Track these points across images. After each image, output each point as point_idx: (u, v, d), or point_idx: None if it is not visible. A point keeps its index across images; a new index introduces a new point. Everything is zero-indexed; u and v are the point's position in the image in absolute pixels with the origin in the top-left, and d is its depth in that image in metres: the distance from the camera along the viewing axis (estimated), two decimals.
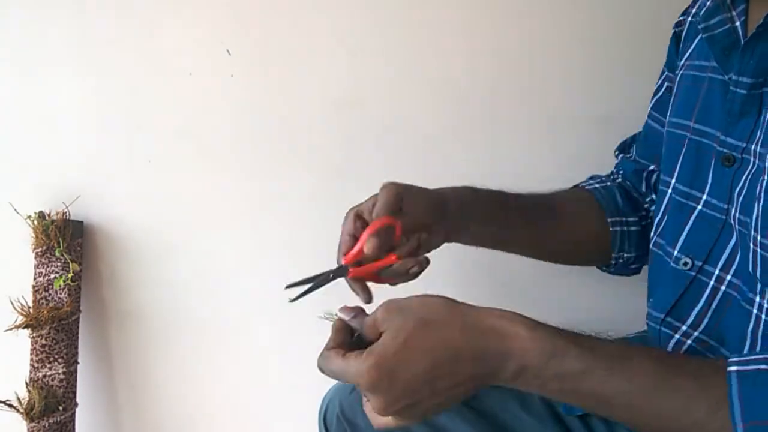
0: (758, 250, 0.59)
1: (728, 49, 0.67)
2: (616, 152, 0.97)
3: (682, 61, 0.79)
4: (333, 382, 0.92)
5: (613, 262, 0.89)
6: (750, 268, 0.61)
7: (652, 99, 0.91)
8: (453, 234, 0.79)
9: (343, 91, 1.13)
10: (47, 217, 1.13)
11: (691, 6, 0.83)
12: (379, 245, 0.70)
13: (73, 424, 1.14)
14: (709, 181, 0.69)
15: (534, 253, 0.89)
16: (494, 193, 0.84)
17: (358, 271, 0.75)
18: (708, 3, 0.70)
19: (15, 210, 1.12)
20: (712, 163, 0.68)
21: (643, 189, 0.90)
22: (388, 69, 1.12)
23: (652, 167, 0.89)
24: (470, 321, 0.57)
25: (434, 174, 1.15)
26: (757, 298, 0.61)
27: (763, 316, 0.61)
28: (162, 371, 1.24)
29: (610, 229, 0.87)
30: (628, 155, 0.94)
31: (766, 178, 0.59)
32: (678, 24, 0.85)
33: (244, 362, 1.23)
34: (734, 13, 0.67)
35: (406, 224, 0.73)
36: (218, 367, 1.23)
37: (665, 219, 0.76)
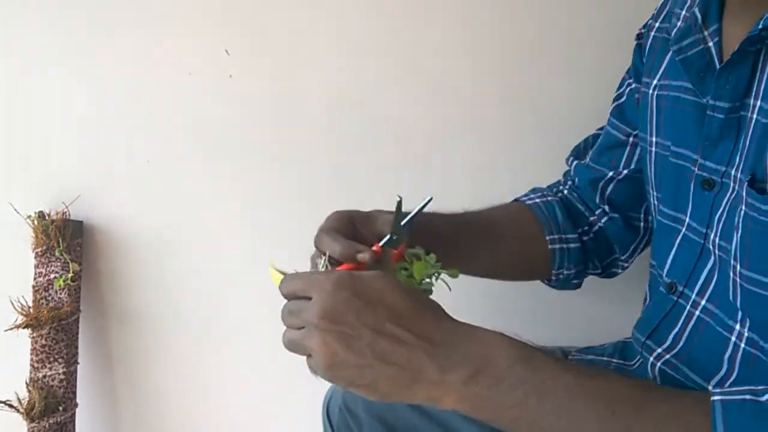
0: (738, 280, 0.59)
1: (703, 71, 0.65)
2: (569, 158, 0.95)
3: (656, 80, 0.76)
4: None
5: (554, 278, 0.89)
6: (730, 297, 0.61)
7: (612, 104, 0.90)
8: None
9: (343, 91, 1.13)
10: (47, 217, 1.13)
11: (652, 19, 0.81)
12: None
13: (73, 424, 1.14)
14: (690, 204, 0.68)
15: (473, 271, 0.85)
16: (436, 215, 0.82)
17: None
18: (679, 23, 0.69)
19: (15, 210, 1.12)
20: (692, 186, 0.68)
21: (597, 200, 0.89)
22: (388, 69, 1.12)
23: (610, 174, 0.87)
24: (452, 321, 0.57)
25: (434, 174, 1.16)
26: (737, 326, 0.61)
27: (742, 345, 0.60)
28: (162, 371, 1.24)
29: (549, 246, 0.86)
30: (583, 161, 0.92)
31: (743, 208, 0.58)
32: (638, 36, 0.84)
33: (244, 362, 1.23)
34: (707, 33, 0.65)
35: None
36: (218, 367, 1.23)
37: (654, 241, 0.76)
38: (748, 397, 0.51)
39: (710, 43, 0.65)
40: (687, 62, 0.67)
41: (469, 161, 1.15)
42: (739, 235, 0.59)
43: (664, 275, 0.71)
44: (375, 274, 0.56)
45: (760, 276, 0.56)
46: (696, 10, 0.66)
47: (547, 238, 0.86)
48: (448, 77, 1.12)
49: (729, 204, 0.62)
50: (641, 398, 0.52)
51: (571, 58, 1.12)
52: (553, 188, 0.95)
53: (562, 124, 1.14)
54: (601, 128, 0.94)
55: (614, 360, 0.81)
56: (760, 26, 0.57)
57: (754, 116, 0.59)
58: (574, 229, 0.88)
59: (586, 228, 0.89)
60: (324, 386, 0.94)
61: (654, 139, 0.76)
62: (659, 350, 0.69)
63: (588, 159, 0.92)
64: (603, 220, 0.88)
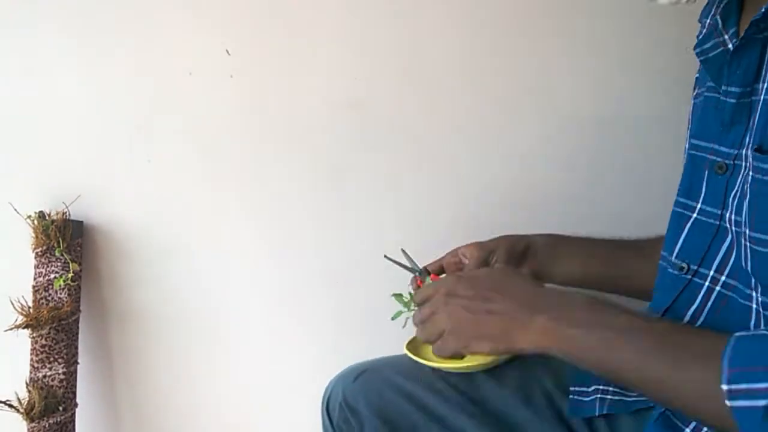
0: (748, 244, 0.62)
1: (721, 67, 0.70)
2: None
3: (695, 91, 0.82)
4: (333, 376, 0.93)
5: None
6: (742, 264, 0.64)
7: None
8: (539, 277, 0.91)
9: (343, 91, 1.13)
10: (47, 217, 1.13)
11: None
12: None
13: (73, 424, 1.14)
14: (703, 190, 0.72)
15: (620, 289, 0.93)
16: (580, 238, 0.94)
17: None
18: (704, 31, 0.74)
19: (15, 210, 1.12)
20: (706, 173, 0.72)
21: None
22: (388, 69, 1.12)
23: None
24: (537, 283, 0.74)
25: (434, 174, 1.16)
26: (754, 293, 0.63)
27: (762, 311, 0.63)
28: (162, 371, 1.24)
29: None
30: None
31: (750, 173, 0.62)
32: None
33: (244, 362, 1.23)
34: (726, 36, 0.69)
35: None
36: (218, 367, 1.23)
37: (668, 230, 0.78)
38: (762, 331, 0.57)
39: (729, 45, 0.69)
40: (707, 62, 0.72)
41: (470, 161, 1.15)
42: (747, 200, 0.62)
43: (673, 258, 0.74)
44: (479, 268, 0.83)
45: (766, 236, 0.60)
46: (718, 17, 0.70)
47: None
48: (448, 77, 1.12)
49: (742, 182, 0.65)
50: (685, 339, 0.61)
51: (571, 60, 1.12)
52: None
53: (563, 124, 1.14)
54: None
55: None
56: (763, 10, 0.61)
57: (761, 97, 0.63)
58: None
59: None
60: (323, 384, 0.94)
61: (687, 145, 0.80)
62: None
63: None
64: None
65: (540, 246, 0.92)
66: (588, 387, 0.81)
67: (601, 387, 0.80)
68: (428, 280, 0.93)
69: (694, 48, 0.74)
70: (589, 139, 1.15)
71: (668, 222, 0.80)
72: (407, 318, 0.86)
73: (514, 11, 1.10)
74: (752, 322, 0.64)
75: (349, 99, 1.13)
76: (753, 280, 0.63)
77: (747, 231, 0.62)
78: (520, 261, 0.91)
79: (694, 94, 0.82)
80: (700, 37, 0.74)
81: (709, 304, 0.69)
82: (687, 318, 0.71)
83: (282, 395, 1.24)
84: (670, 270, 0.74)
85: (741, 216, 0.64)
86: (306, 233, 1.18)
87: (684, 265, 0.72)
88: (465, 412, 0.82)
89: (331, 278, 1.19)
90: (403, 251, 0.96)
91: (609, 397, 0.79)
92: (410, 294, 0.88)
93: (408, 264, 0.96)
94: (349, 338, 1.19)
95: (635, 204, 1.18)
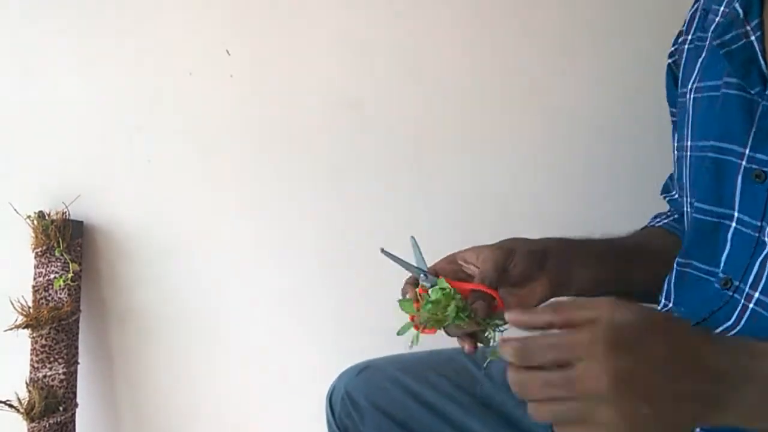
0: None
1: (747, 63, 0.66)
2: (662, 195, 0.96)
3: (690, 85, 0.77)
4: (334, 376, 0.93)
5: None
6: None
7: (672, 136, 0.89)
8: (559, 284, 0.79)
9: (343, 91, 1.13)
10: (47, 217, 1.13)
11: (684, 34, 0.82)
12: (484, 308, 0.71)
13: (73, 424, 1.14)
14: (738, 197, 0.68)
15: (629, 290, 0.84)
16: (587, 240, 0.85)
17: (451, 282, 0.73)
18: (718, 19, 0.70)
19: (15, 210, 1.12)
20: (739, 179, 0.67)
21: None
22: (388, 69, 1.12)
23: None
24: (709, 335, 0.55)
25: (434, 174, 1.16)
26: None
27: None
28: (162, 371, 1.24)
29: None
30: (673, 195, 0.93)
31: None
32: (671, 54, 0.84)
33: (244, 362, 1.23)
34: (749, 27, 0.66)
35: (509, 279, 0.75)
36: (218, 367, 1.23)
37: (694, 238, 0.75)
38: None
39: (752, 37, 0.66)
40: (731, 55, 0.68)
41: (468, 163, 1.15)
42: None
43: (719, 272, 0.70)
44: (630, 314, 0.49)
45: None
46: (737, 5, 0.67)
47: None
48: (448, 77, 1.12)
49: None
50: None
51: (571, 62, 1.12)
52: (670, 213, 0.94)
53: (564, 124, 1.14)
54: None
55: None
56: None
57: None
58: None
59: None
60: (323, 384, 0.94)
61: (689, 144, 0.76)
62: None
63: (675, 192, 0.92)
64: None
65: (555, 252, 0.80)
66: None
67: None
68: (443, 283, 0.71)
69: (713, 38, 0.70)
70: (589, 139, 1.15)
71: (690, 229, 0.76)
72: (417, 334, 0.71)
73: (514, 12, 1.10)
74: None
75: (349, 99, 1.13)
76: None
77: None
78: (540, 268, 0.78)
79: (693, 86, 0.77)
80: (716, 27, 0.70)
81: (742, 322, 0.66)
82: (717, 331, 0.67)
83: (282, 395, 1.24)
84: (716, 285, 0.69)
85: None
86: (306, 233, 1.18)
87: (728, 279, 0.68)
88: (466, 409, 0.82)
89: (331, 278, 1.19)
90: (413, 239, 0.79)
91: None
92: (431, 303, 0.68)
93: (412, 260, 0.78)
94: (349, 338, 1.19)
95: (635, 204, 1.18)
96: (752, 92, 0.66)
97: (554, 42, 1.11)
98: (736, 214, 0.68)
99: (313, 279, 1.19)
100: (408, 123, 1.14)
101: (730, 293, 0.67)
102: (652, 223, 0.94)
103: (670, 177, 0.95)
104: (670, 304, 0.75)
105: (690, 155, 0.77)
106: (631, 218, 1.11)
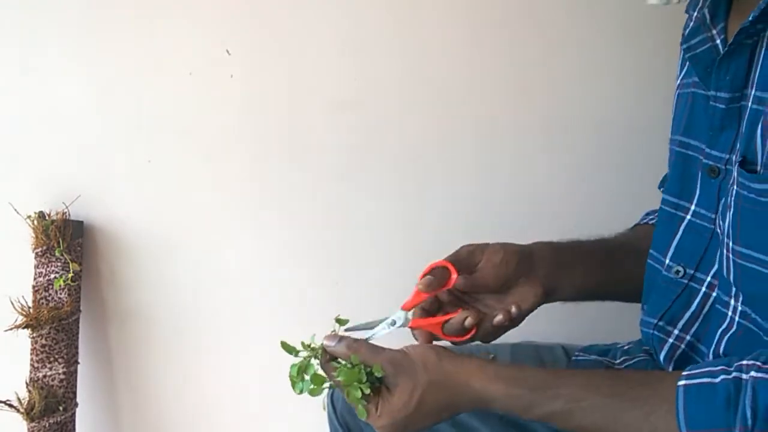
0: (730, 256, 0.62)
1: (710, 66, 0.68)
2: (660, 188, 0.95)
3: (677, 81, 0.80)
4: None
5: None
6: (724, 273, 0.64)
7: None
8: (549, 290, 0.81)
9: (343, 91, 1.13)
10: (47, 217, 1.13)
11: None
12: (429, 282, 0.76)
13: (73, 424, 1.14)
14: (697, 192, 0.71)
15: (620, 294, 0.88)
16: (575, 243, 0.86)
17: (419, 322, 0.77)
18: (690, 23, 0.72)
19: (15, 210, 1.12)
20: (699, 174, 0.71)
21: None
22: (389, 69, 1.12)
23: None
24: (459, 382, 0.66)
25: (435, 174, 1.16)
26: (732, 301, 0.64)
27: (737, 318, 0.63)
28: (162, 371, 1.24)
29: None
30: None
31: (735, 187, 0.62)
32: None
33: (244, 362, 1.23)
34: (714, 31, 0.68)
35: (489, 278, 0.78)
36: (218, 367, 1.23)
37: (657, 229, 0.78)
38: (706, 380, 0.57)
39: (717, 41, 0.68)
40: (695, 59, 0.70)
41: (471, 161, 1.15)
42: (731, 213, 0.62)
43: (667, 260, 0.73)
44: (401, 414, 0.68)
45: (751, 251, 0.60)
46: (705, 10, 0.69)
47: None
48: (449, 77, 1.12)
49: (729, 191, 0.65)
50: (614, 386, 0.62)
51: (571, 62, 1.12)
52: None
53: (564, 124, 1.14)
54: None
55: (636, 356, 0.82)
56: (750, 18, 0.60)
57: (749, 104, 0.62)
58: None
59: None
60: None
61: (671, 137, 0.79)
62: (676, 332, 0.71)
63: None
64: None
65: (543, 257, 0.82)
66: None
67: None
68: (355, 360, 0.69)
69: (681, 43, 0.73)
70: (588, 139, 1.15)
71: (657, 221, 0.79)
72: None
73: (514, 14, 1.10)
74: (722, 328, 0.65)
75: (349, 99, 1.13)
76: (734, 289, 0.63)
77: (729, 243, 0.62)
78: (529, 270, 0.80)
79: (679, 83, 0.80)
80: (687, 31, 0.72)
81: (705, 309, 0.69)
82: (682, 323, 0.70)
83: (282, 395, 1.24)
84: (665, 273, 0.73)
85: (725, 225, 0.64)
86: (306, 233, 1.18)
87: (680, 268, 0.71)
88: (479, 416, 0.82)
89: (332, 278, 1.19)
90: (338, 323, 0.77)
91: None
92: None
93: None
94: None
95: (634, 204, 1.18)
96: (710, 92, 0.68)
97: (554, 41, 1.12)
98: (692, 207, 0.71)
99: (313, 279, 1.19)
100: (408, 123, 1.14)
101: (685, 281, 0.71)
102: (644, 220, 0.94)
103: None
104: (644, 308, 0.77)
105: (670, 148, 0.79)
106: (632, 218, 1.11)
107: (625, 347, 0.86)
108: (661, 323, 0.72)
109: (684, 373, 0.59)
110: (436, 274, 0.76)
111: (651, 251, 0.78)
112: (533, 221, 1.15)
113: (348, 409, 0.88)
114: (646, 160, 1.16)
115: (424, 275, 0.76)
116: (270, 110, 1.13)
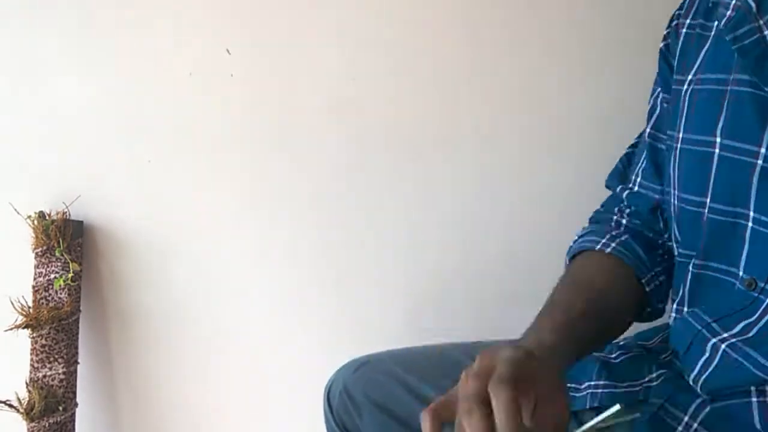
0: None
1: (761, 60, 0.65)
2: (613, 185, 0.92)
3: (689, 76, 0.75)
4: (332, 372, 0.92)
5: (646, 314, 0.86)
6: None
7: (648, 120, 0.87)
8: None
9: (343, 91, 1.13)
10: (47, 217, 1.13)
11: (680, 17, 0.79)
12: None
13: (73, 424, 1.14)
14: (754, 196, 0.66)
15: (614, 335, 0.83)
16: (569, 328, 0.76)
17: None
18: (729, 13, 0.68)
19: (15, 210, 1.12)
20: (755, 178, 0.66)
21: (661, 226, 0.86)
22: (389, 69, 1.12)
23: (657, 197, 0.85)
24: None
25: (436, 174, 1.16)
26: None
27: None
28: (162, 371, 1.24)
29: (646, 288, 0.83)
30: (631, 187, 0.89)
31: None
32: (664, 38, 0.82)
33: (244, 362, 1.23)
34: (761, 22, 0.65)
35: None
36: (218, 367, 1.23)
37: (707, 239, 0.73)
38: None
39: (766, 32, 0.64)
40: (744, 51, 0.66)
41: (472, 161, 1.15)
42: None
43: (739, 272, 0.69)
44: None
45: None
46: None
47: (643, 281, 0.83)
48: (449, 77, 1.12)
49: None
50: None
51: (571, 60, 1.12)
52: (608, 222, 0.89)
53: (564, 124, 1.14)
54: (632, 146, 0.91)
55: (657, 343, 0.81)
56: None
57: None
58: (656, 259, 0.85)
59: (662, 254, 0.86)
60: (322, 385, 0.94)
61: (681, 135, 0.75)
62: (725, 335, 0.68)
63: (637, 185, 0.88)
64: (669, 243, 0.84)
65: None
66: (580, 384, 0.81)
67: (592, 383, 0.79)
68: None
69: (725, 33, 0.67)
70: (590, 139, 1.15)
71: (700, 228, 0.74)
72: None
73: (514, 13, 1.10)
74: None
75: (349, 99, 1.13)
76: None
77: None
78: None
79: (691, 78, 0.75)
80: (728, 21, 0.67)
81: (764, 319, 0.65)
82: (737, 329, 0.67)
83: (282, 395, 1.24)
84: (740, 286, 0.68)
85: None
86: (306, 232, 1.18)
87: (752, 281, 0.67)
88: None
89: (332, 278, 1.19)
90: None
91: (600, 390, 0.78)
92: None
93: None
94: (349, 338, 1.19)
95: None
96: (766, 90, 0.65)
97: (556, 41, 1.11)
98: (752, 214, 0.67)
99: (313, 279, 1.19)
100: (408, 123, 1.14)
101: (756, 294, 0.66)
102: (602, 247, 0.84)
103: (624, 165, 0.90)
104: (685, 309, 0.74)
105: (681, 147, 0.75)
106: None
107: (621, 342, 0.86)
108: (714, 325, 0.69)
109: None
110: None
111: (701, 261, 0.73)
112: (534, 221, 1.15)
113: (344, 408, 0.88)
114: None
115: None
116: (270, 110, 1.13)
